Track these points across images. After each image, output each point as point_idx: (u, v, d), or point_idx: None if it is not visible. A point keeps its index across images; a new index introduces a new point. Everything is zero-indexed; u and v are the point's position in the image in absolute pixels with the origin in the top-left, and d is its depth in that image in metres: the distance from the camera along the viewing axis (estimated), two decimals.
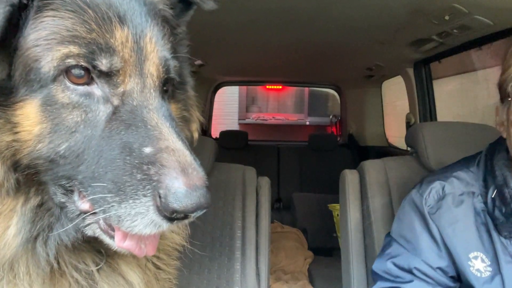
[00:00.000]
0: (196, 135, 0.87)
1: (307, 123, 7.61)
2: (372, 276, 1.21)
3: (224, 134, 4.16)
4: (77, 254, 0.72)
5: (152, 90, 0.65)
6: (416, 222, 1.12)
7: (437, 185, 1.13)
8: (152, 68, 0.65)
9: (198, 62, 3.03)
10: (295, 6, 1.75)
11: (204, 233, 1.68)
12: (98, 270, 0.73)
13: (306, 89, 7.62)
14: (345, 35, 2.19)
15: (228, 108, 7.27)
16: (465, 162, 1.18)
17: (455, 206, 1.09)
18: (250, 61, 3.18)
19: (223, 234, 1.70)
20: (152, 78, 0.65)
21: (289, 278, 2.65)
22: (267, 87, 6.90)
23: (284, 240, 3.09)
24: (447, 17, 1.70)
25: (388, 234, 1.23)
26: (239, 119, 7.65)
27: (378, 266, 1.17)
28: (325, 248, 3.13)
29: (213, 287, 1.63)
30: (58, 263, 0.70)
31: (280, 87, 6.83)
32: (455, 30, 1.85)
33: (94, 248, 0.74)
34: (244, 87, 7.63)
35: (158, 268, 0.88)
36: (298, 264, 2.83)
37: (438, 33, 1.95)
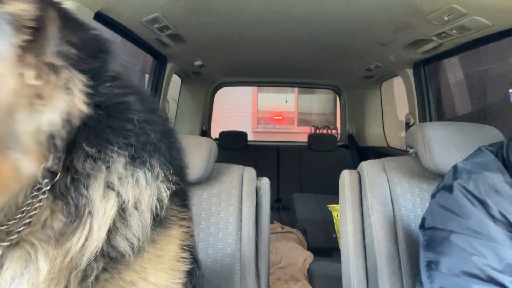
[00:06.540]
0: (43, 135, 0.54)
1: (296, 131, 11.55)
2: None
3: (223, 134, 4.14)
4: None
5: None
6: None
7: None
8: None
9: (198, 62, 3.03)
10: (294, 6, 1.76)
11: (204, 234, 1.68)
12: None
13: (296, 108, 11.18)
14: (344, 36, 2.19)
15: (244, 122, 10.75)
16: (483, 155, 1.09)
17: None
18: (250, 62, 3.18)
19: (222, 234, 1.70)
20: None
21: (289, 279, 2.65)
22: (275, 118, 11.44)
23: (284, 241, 3.09)
24: (446, 18, 1.71)
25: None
26: (252, 129, 11.48)
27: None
28: (325, 248, 3.12)
29: None
30: None
31: (281, 117, 11.34)
32: (454, 31, 1.86)
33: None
34: (255, 109, 11.44)
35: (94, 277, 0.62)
36: (297, 265, 2.83)
37: (437, 33, 1.96)
